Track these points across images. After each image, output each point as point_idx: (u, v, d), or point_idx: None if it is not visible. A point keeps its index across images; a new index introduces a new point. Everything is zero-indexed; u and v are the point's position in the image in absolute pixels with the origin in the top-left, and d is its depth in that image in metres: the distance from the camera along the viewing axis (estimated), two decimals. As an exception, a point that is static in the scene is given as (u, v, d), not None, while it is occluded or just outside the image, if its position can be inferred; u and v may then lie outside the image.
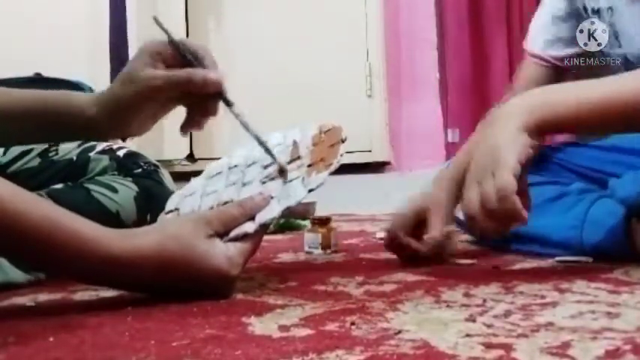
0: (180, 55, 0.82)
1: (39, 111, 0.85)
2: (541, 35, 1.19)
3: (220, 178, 0.93)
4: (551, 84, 1.15)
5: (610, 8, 1.06)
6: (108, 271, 0.71)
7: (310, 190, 0.80)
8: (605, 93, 0.84)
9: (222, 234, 0.74)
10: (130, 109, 0.82)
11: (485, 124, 0.87)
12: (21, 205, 0.65)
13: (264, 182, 0.85)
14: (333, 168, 0.82)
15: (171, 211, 0.92)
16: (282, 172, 0.85)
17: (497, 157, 0.79)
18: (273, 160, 0.86)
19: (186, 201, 0.91)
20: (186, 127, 0.87)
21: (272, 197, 0.81)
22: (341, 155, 0.84)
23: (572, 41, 1.15)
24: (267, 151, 0.86)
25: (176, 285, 0.74)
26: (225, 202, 0.84)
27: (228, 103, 0.84)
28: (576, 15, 1.14)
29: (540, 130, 0.83)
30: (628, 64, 1.08)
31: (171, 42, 0.83)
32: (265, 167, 0.89)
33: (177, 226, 0.74)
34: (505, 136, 0.80)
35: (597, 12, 1.09)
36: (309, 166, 0.84)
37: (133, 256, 0.70)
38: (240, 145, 0.99)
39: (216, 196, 0.87)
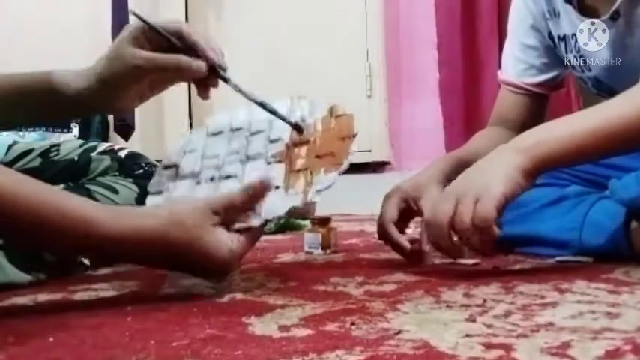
0: (165, 40, 0.83)
1: (26, 89, 0.87)
2: (514, 64, 1.20)
3: (221, 140, 0.91)
4: (530, 110, 1.16)
5: (574, 35, 1.07)
6: (114, 250, 0.72)
7: (318, 191, 0.78)
8: (599, 122, 0.85)
9: (227, 223, 0.75)
10: (114, 85, 0.83)
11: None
12: (26, 190, 0.66)
13: (269, 163, 0.84)
14: (343, 168, 0.80)
15: (169, 167, 0.91)
16: (298, 129, 0.85)
17: (487, 184, 0.81)
18: (287, 123, 0.85)
19: (186, 159, 0.90)
20: (200, 93, 0.88)
21: (277, 187, 0.80)
22: (351, 154, 0.81)
23: (545, 68, 1.17)
24: (278, 115, 0.86)
25: (178, 266, 0.76)
26: (228, 176, 0.84)
27: (225, 79, 0.85)
28: (543, 43, 1.16)
29: (538, 170, 0.84)
30: (600, 85, 1.08)
31: (152, 29, 0.83)
32: (272, 142, 0.87)
33: (184, 212, 0.74)
34: (501, 170, 0.82)
35: (563, 39, 1.10)
36: (317, 157, 0.83)
37: (138, 237, 0.71)
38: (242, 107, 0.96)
39: (217, 164, 0.86)
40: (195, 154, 0.90)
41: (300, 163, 0.82)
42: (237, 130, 0.92)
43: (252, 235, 0.78)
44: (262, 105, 0.87)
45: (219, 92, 0.89)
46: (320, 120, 0.88)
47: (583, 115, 0.88)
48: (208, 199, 0.78)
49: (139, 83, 0.85)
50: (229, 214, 0.75)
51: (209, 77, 0.85)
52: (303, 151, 0.84)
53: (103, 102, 0.86)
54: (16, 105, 0.88)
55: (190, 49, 0.83)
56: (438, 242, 0.84)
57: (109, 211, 0.72)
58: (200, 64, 0.83)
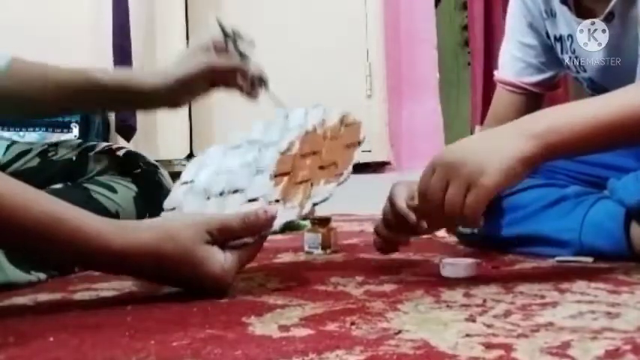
0: (235, 49, 0.99)
1: (116, 87, 0.98)
2: (511, 63, 1.19)
3: (237, 154, 0.93)
4: (526, 110, 1.16)
5: (570, 35, 1.06)
6: (108, 263, 0.72)
7: (315, 204, 0.79)
8: (613, 109, 0.80)
9: (220, 242, 0.75)
10: (186, 83, 0.97)
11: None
12: (22, 201, 0.66)
13: (276, 176, 0.85)
14: (342, 179, 0.81)
15: (186, 183, 0.93)
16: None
17: (484, 169, 0.75)
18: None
19: (202, 174, 0.92)
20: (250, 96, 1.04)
21: (277, 201, 0.81)
22: (353, 163, 0.83)
23: (543, 68, 1.17)
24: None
25: (172, 281, 0.76)
26: (236, 191, 0.84)
27: (267, 86, 1.05)
28: (542, 42, 1.15)
29: (546, 158, 0.78)
30: (594, 86, 1.08)
31: (228, 38, 0.99)
32: (282, 154, 0.88)
33: (178, 227, 0.74)
34: (503, 156, 0.76)
35: (559, 39, 1.09)
36: (321, 167, 0.83)
37: (131, 250, 0.71)
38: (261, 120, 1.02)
39: (229, 179, 0.87)
40: (210, 168, 0.92)
41: (302, 174, 0.84)
42: (254, 141, 0.94)
43: (248, 251, 0.77)
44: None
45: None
46: (330, 129, 0.89)
47: (598, 101, 0.85)
48: (205, 218, 0.79)
49: (207, 82, 0.99)
50: (223, 236, 0.75)
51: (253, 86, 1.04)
52: (308, 161, 0.85)
53: (174, 97, 1.00)
54: (96, 102, 1.02)
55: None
56: (429, 216, 0.82)
57: (110, 223, 0.73)
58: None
